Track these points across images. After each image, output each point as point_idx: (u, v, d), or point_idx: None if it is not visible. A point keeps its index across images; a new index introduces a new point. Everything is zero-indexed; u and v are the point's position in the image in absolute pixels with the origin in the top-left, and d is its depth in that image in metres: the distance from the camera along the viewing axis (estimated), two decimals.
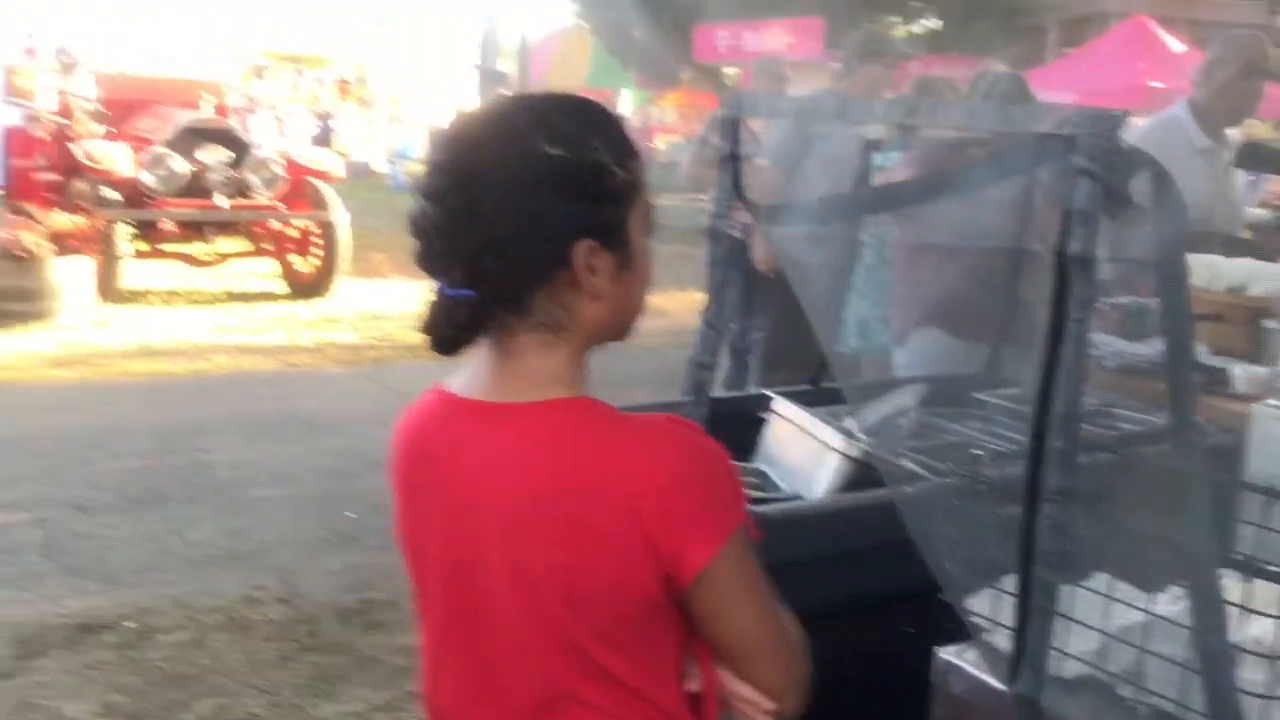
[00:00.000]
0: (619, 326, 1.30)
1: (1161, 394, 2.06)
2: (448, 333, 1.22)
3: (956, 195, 1.28)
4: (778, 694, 1.25)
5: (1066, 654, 1.31)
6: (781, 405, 2.31)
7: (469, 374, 1.30)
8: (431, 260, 1.22)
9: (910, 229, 2.75)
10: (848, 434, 2.14)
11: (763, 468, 2.24)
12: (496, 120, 1.23)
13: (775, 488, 2.15)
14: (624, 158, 1.25)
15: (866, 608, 1.86)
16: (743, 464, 2.24)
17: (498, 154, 1.20)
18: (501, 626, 1.25)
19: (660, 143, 19.98)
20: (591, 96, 1.38)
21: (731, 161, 1.62)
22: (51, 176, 10.11)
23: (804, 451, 2.16)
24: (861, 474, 2.04)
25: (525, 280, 1.20)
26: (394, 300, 10.12)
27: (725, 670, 1.25)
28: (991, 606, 1.38)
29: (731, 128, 1.59)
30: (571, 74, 19.47)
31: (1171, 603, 1.31)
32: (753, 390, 3.51)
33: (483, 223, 1.18)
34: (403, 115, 31.26)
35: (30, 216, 8.74)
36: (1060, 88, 9.52)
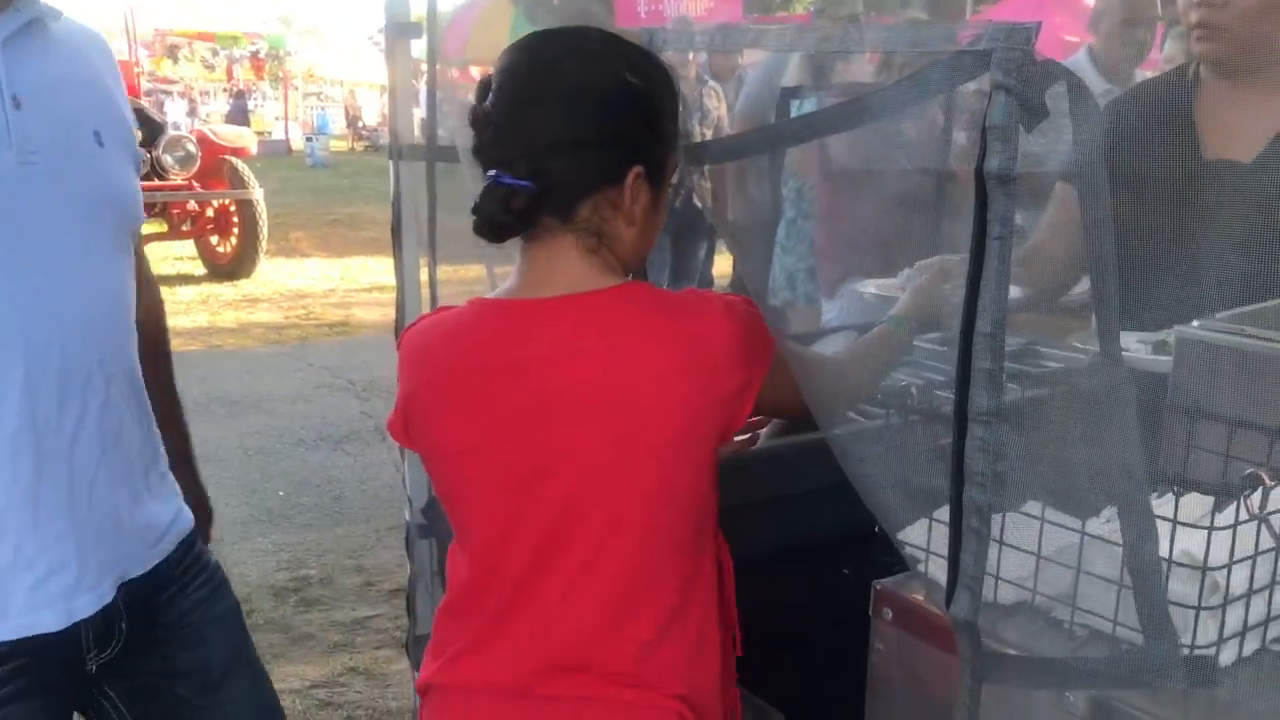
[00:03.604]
0: (633, 263, 1.42)
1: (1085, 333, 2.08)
2: (503, 219, 1.31)
3: (876, 120, 1.26)
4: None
5: (1001, 579, 1.31)
6: None
7: (511, 283, 1.39)
8: (493, 150, 1.32)
9: (830, 158, 2.75)
10: None
11: None
12: (574, 40, 1.34)
13: None
14: (674, 109, 1.38)
15: (804, 551, 1.86)
16: None
17: (586, 67, 1.31)
18: (580, 501, 1.33)
19: None
20: None
21: None
22: None
23: None
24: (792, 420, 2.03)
25: (583, 184, 1.31)
26: (316, 278, 9.97)
27: None
28: (927, 538, 1.38)
29: None
30: (491, 44, 19.18)
31: (1102, 525, 1.31)
32: None
33: (562, 125, 1.29)
34: (319, 92, 30.77)
35: None
36: None
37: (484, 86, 1.34)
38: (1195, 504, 1.24)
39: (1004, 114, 1.08)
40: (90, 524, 1.57)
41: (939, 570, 1.30)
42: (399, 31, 2.48)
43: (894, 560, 1.45)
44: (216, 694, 1.79)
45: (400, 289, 2.63)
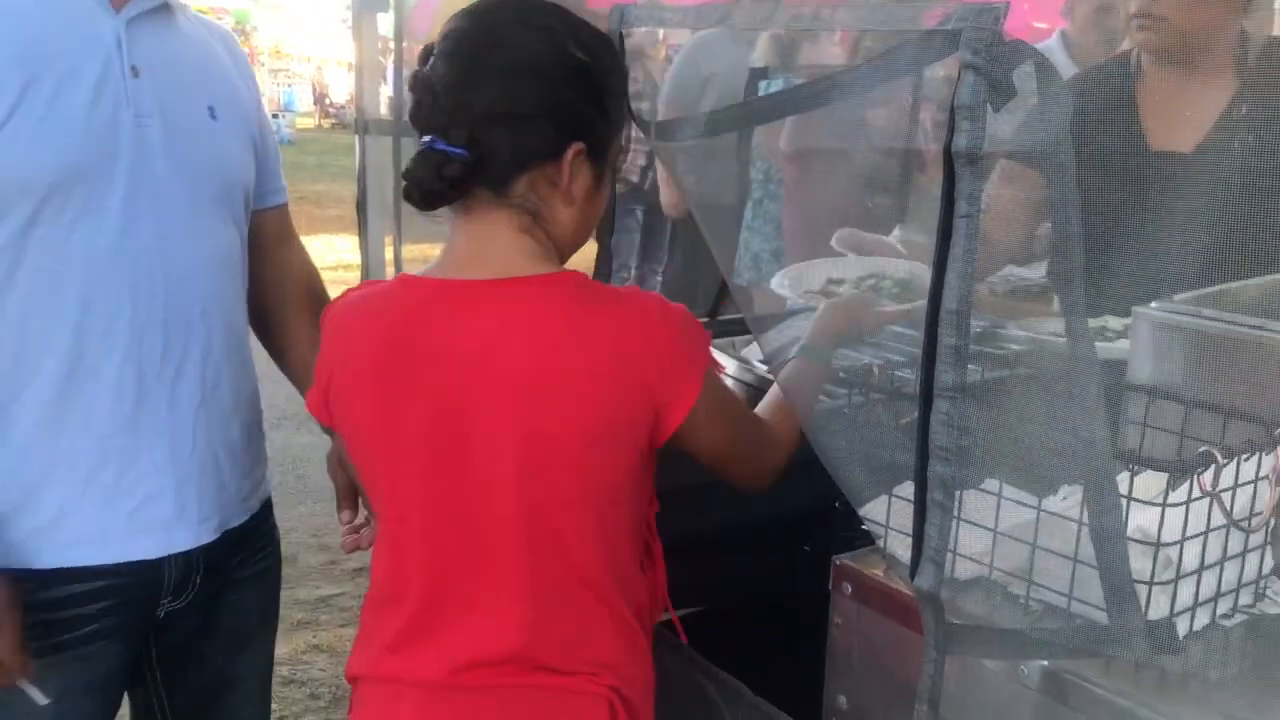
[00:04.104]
0: (571, 246, 1.38)
1: (1049, 315, 2.11)
2: (435, 186, 1.27)
3: (847, 98, 1.27)
4: (755, 484, 1.48)
5: (960, 555, 1.33)
6: None
7: (441, 260, 1.35)
8: (430, 117, 1.28)
9: (798, 137, 2.77)
10: (743, 361, 2.14)
11: None
12: (520, 9, 1.32)
13: None
14: (622, 90, 1.37)
15: (765, 527, 1.87)
16: None
17: (531, 39, 1.28)
18: (497, 496, 1.30)
19: None
20: None
21: None
22: None
23: None
24: (757, 399, 2.05)
25: (520, 157, 1.28)
26: None
27: None
28: (886, 514, 1.40)
29: (618, 41, 1.55)
30: None
31: (1059, 503, 1.34)
32: None
33: (502, 94, 1.26)
34: (285, 68, 30.45)
35: None
36: None
37: (426, 51, 1.31)
38: (1150, 482, 1.26)
39: (972, 93, 1.09)
40: (189, 462, 1.68)
41: (898, 546, 1.32)
42: (366, 5, 2.47)
43: (854, 536, 1.47)
44: (237, 658, 1.90)
45: (365, 267, 2.63)
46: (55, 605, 1.61)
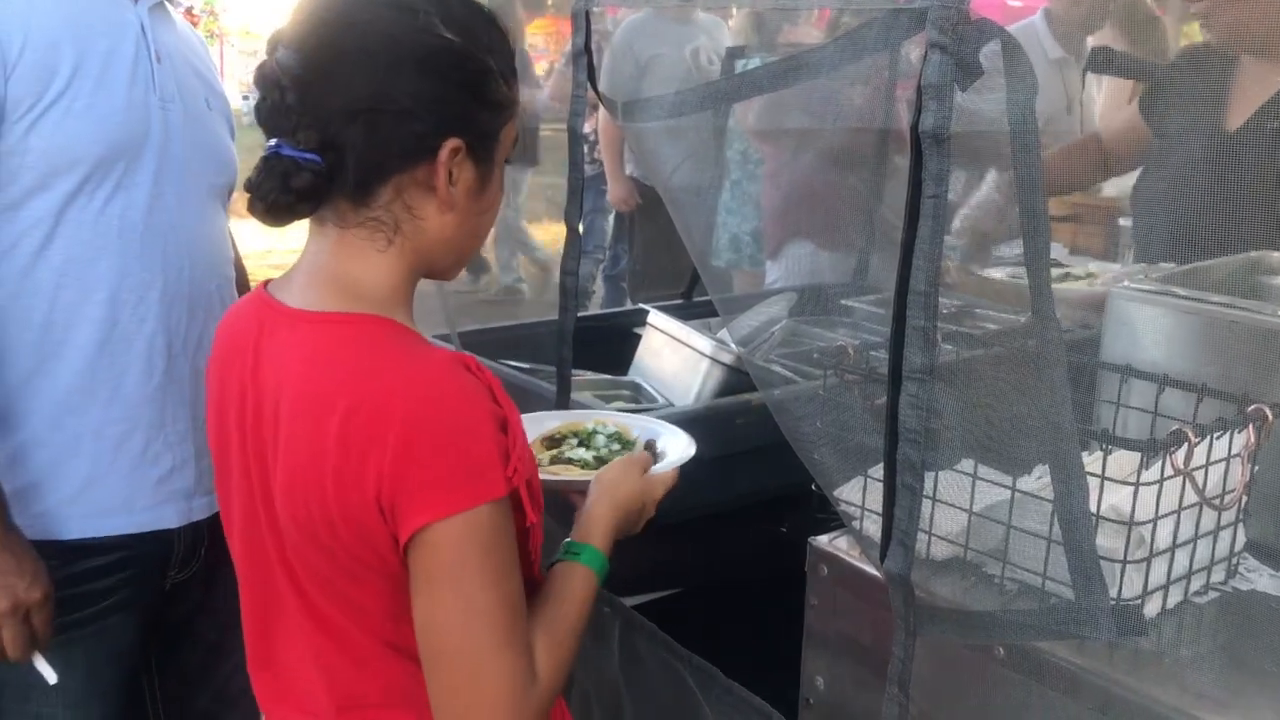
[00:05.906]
0: (455, 256, 1.21)
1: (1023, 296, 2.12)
2: (281, 199, 1.09)
3: (814, 78, 1.26)
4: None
5: (935, 535, 1.33)
6: (657, 318, 2.29)
7: (289, 270, 1.20)
8: (278, 116, 1.10)
9: (769, 116, 2.75)
10: (720, 343, 2.13)
11: (638, 380, 2.22)
12: None
13: (650, 398, 2.14)
14: (509, 72, 1.17)
15: (744, 508, 1.87)
16: (616, 377, 2.22)
17: (389, 20, 1.10)
18: (265, 539, 1.19)
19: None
20: None
21: (585, 55, 1.58)
22: None
23: (678, 361, 2.15)
24: (734, 380, 2.05)
25: (385, 162, 1.10)
26: (252, 238, 9.79)
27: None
28: (862, 495, 1.39)
29: (583, 20, 1.54)
30: None
31: (1033, 483, 1.34)
32: (630, 306, 3.51)
33: (358, 88, 1.08)
34: (255, 50, 30.15)
35: None
36: None
37: (274, 41, 1.13)
38: (1124, 461, 1.26)
39: (939, 73, 1.08)
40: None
41: (874, 527, 1.32)
42: None
43: (830, 518, 1.46)
44: (227, 632, 1.86)
45: None
46: (79, 579, 1.66)
